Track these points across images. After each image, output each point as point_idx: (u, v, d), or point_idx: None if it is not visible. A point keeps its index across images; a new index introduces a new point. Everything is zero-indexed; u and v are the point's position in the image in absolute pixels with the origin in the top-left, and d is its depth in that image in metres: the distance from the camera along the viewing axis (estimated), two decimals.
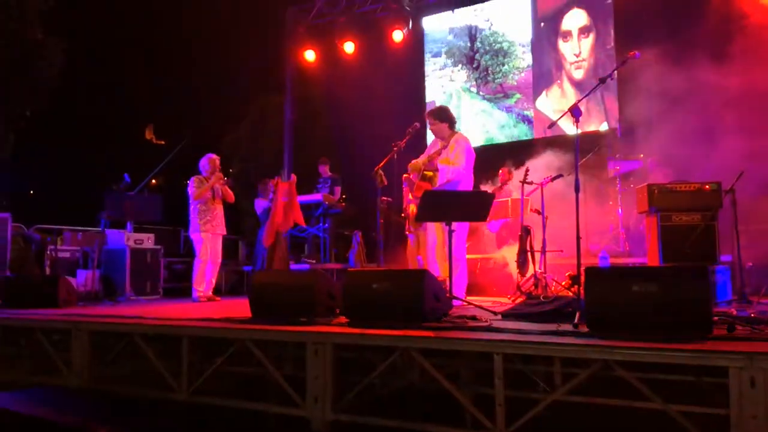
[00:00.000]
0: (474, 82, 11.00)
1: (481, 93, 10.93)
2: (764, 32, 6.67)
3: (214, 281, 7.35)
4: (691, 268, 3.17)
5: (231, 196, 7.38)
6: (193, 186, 7.16)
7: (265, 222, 8.03)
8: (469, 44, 11.07)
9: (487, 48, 10.88)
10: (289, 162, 11.65)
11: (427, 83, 11.46)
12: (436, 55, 11.45)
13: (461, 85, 11.14)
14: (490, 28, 10.89)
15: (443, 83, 11.36)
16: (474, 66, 11.00)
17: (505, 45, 10.72)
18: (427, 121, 5.95)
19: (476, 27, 11.01)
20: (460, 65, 11.20)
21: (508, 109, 10.64)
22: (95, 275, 7.00)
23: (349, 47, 11.15)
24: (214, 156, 7.42)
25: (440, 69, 11.40)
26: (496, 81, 10.76)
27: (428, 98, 11.39)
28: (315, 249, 10.09)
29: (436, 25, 11.46)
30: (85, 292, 6.98)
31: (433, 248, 5.87)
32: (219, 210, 7.28)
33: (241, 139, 17.76)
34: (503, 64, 10.71)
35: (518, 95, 10.58)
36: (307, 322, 4.09)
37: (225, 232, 7.43)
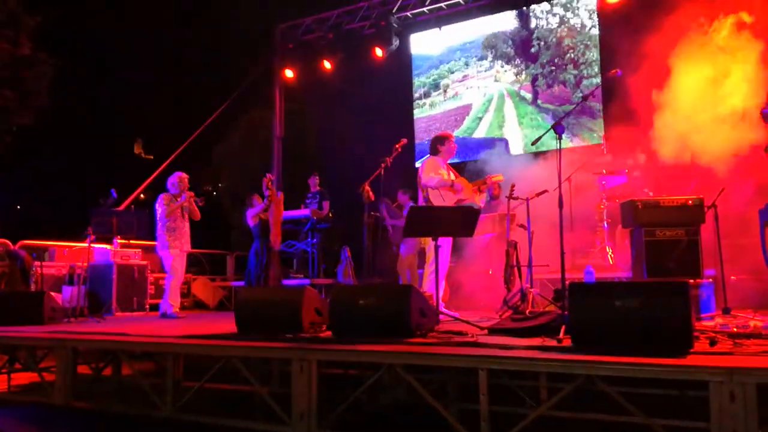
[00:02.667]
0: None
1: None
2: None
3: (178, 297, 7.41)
4: (672, 284, 3.21)
5: (197, 213, 7.45)
6: (162, 203, 7.21)
7: (258, 234, 8.01)
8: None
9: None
10: (277, 177, 11.66)
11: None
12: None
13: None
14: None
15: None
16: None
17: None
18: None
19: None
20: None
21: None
22: (81, 291, 6.95)
23: (336, 64, 11.22)
24: (184, 174, 7.49)
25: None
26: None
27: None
28: (303, 264, 10.08)
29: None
30: (70, 308, 6.92)
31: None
32: (186, 227, 7.36)
33: (229, 154, 17.78)
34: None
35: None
36: (293, 338, 4.09)
37: (190, 249, 7.53)
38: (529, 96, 10.75)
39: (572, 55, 10.26)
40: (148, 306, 8.11)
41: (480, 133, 11.12)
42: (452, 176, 6.24)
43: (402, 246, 8.50)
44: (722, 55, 6.47)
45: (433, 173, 6.09)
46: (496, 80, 11.24)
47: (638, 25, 7.79)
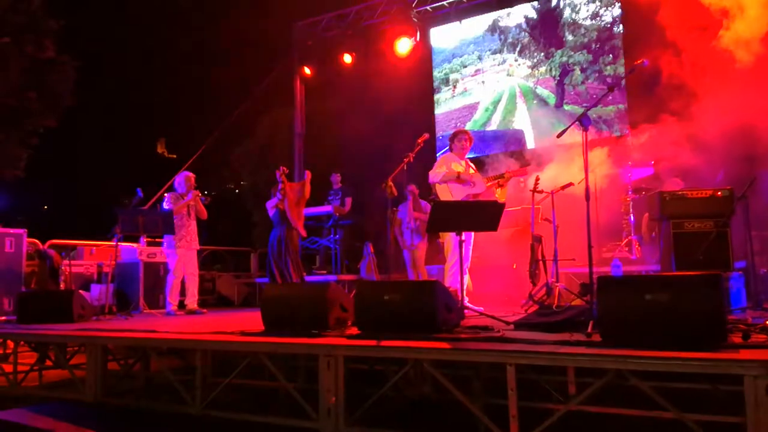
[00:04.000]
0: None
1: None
2: None
3: (196, 294, 7.49)
4: (704, 276, 3.14)
5: (204, 212, 7.56)
6: (169, 202, 7.35)
7: (277, 223, 8.04)
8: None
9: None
10: (299, 174, 11.71)
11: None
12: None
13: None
14: None
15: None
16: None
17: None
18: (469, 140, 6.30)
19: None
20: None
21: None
22: (109, 289, 7.06)
23: (357, 60, 11.22)
24: (190, 174, 7.65)
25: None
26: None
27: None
28: (326, 260, 10.11)
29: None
30: (99, 306, 7.03)
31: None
32: (193, 226, 7.47)
33: (251, 152, 17.89)
34: None
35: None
36: (319, 334, 4.09)
37: (199, 247, 7.61)
38: (547, 94, 10.59)
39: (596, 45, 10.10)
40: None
41: (492, 126, 11.02)
42: (469, 171, 6.19)
43: (407, 239, 8.46)
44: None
45: (437, 169, 6.08)
46: (508, 75, 11.11)
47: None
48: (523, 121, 10.71)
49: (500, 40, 11.19)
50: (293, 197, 7.85)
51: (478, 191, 6.05)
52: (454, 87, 11.56)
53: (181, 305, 7.43)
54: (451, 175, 6.01)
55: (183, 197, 7.40)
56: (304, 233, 8.24)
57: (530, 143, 10.53)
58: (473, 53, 11.45)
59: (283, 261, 7.73)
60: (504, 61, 11.15)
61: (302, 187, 7.93)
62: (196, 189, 7.53)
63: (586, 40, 10.16)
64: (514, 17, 11.04)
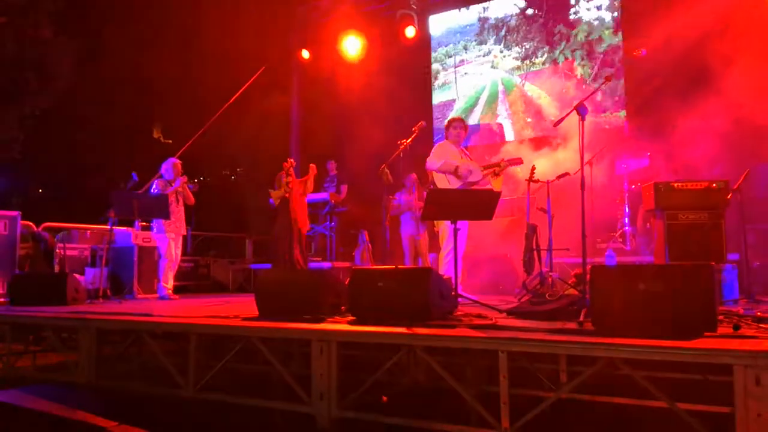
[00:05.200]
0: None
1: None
2: None
3: (172, 279, 7.53)
4: (697, 267, 3.16)
5: (192, 198, 7.62)
6: (158, 189, 7.40)
7: (283, 212, 8.06)
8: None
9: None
10: (296, 161, 11.67)
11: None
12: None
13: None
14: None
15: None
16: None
17: None
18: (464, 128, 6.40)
19: None
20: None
21: None
22: (103, 273, 7.05)
23: (355, 46, 11.16)
24: (177, 160, 7.66)
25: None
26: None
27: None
28: (321, 247, 10.12)
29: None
30: (93, 289, 7.03)
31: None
32: (181, 212, 7.53)
33: (247, 139, 17.80)
34: None
35: None
36: (312, 319, 4.11)
37: (185, 233, 7.68)
38: (534, 90, 10.42)
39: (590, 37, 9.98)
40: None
41: (473, 119, 10.88)
42: (465, 160, 6.19)
43: (412, 229, 8.47)
44: None
45: (436, 157, 6.09)
46: (493, 67, 10.95)
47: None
48: (503, 114, 10.62)
49: (487, 30, 10.97)
50: (299, 190, 7.94)
51: (475, 180, 6.05)
52: (435, 78, 11.45)
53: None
54: (449, 168, 6.02)
55: (171, 184, 7.43)
56: (307, 226, 8.31)
57: (509, 136, 10.46)
58: (459, 43, 11.29)
59: (290, 249, 7.79)
60: (489, 52, 11.00)
61: (305, 183, 8.03)
62: (183, 175, 7.54)
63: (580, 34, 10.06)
64: (502, 6, 10.86)
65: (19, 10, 14.42)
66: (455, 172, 6.01)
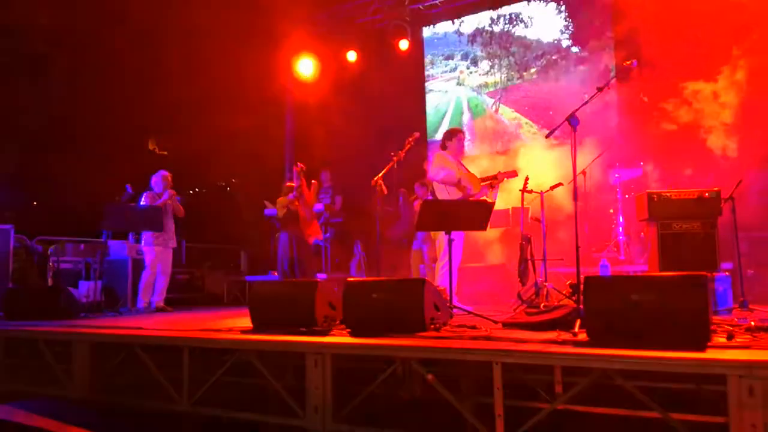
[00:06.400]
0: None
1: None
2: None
3: (164, 292, 7.51)
4: (690, 277, 3.17)
5: (181, 210, 7.62)
6: (147, 201, 7.41)
7: (289, 222, 8.04)
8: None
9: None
10: (289, 172, 11.68)
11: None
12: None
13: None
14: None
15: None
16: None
17: None
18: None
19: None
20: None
21: None
22: (97, 286, 7.03)
23: (349, 57, 11.20)
24: (167, 173, 7.68)
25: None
26: None
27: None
28: (317, 258, 10.10)
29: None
30: (87, 303, 7.00)
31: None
32: (171, 224, 7.53)
33: (242, 150, 17.80)
34: None
35: None
36: (307, 332, 4.10)
37: (176, 245, 7.67)
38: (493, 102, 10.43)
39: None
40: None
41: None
42: (463, 172, 6.22)
43: (415, 240, 8.47)
44: None
45: (440, 168, 6.10)
46: (458, 83, 10.96)
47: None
48: (467, 128, 10.61)
49: (465, 42, 10.99)
50: (309, 198, 7.90)
51: (475, 193, 6.09)
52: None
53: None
54: (451, 179, 6.04)
55: (160, 196, 7.44)
56: (320, 236, 8.30)
57: (468, 149, 10.48)
58: (427, 56, 11.37)
59: (295, 261, 7.78)
60: (455, 68, 11.04)
61: (313, 189, 8.04)
62: (173, 188, 7.55)
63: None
64: (476, 20, 10.87)
65: (12, 24, 14.43)
66: (457, 185, 6.05)
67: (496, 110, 10.50)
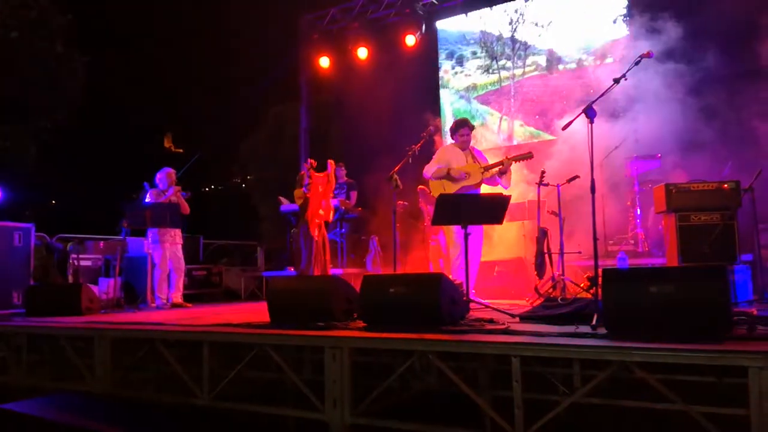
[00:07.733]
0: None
1: None
2: None
3: (182, 287, 7.54)
4: (709, 268, 3.15)
5: (186, 207, 7.59)
6: (152, 198, 7.44)
7: (302, 215, 8.13)
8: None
9: None
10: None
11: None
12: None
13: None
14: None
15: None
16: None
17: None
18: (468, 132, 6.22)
19: None
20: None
21: None
22: (117, 283, 7.11)
23: (362, 53, 11.19)
24: (171, 170, 7.69)
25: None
26: None
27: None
28: (332, 254, 10.13)
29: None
30: (107, 299, 7.08)
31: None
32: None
33: (257, 147, 17.91)
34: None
35: None
36: (324, 326, 4.12)
37: (182, 242, 7.65)
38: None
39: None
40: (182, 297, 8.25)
41: None
42: (470, 162, 6.13)
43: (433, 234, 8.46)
44: None
45: (432, 164, 6.13)
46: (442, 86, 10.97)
47: None
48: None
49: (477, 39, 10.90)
50: (317, 189, 7.99)
51: (472, 183, 6.03)
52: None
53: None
54: (440, 173, 6.02)
55: (164, 193, 7.48)
56: (329, 218, 8.34)
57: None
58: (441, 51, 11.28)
59: (307, 253, 7.85)
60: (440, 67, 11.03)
61: (327, 177, 8.09)
62: (177, 185, 7.60)
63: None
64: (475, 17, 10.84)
65: (30, 25, 14.60)
66: (447, 175, 6.01)
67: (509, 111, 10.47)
